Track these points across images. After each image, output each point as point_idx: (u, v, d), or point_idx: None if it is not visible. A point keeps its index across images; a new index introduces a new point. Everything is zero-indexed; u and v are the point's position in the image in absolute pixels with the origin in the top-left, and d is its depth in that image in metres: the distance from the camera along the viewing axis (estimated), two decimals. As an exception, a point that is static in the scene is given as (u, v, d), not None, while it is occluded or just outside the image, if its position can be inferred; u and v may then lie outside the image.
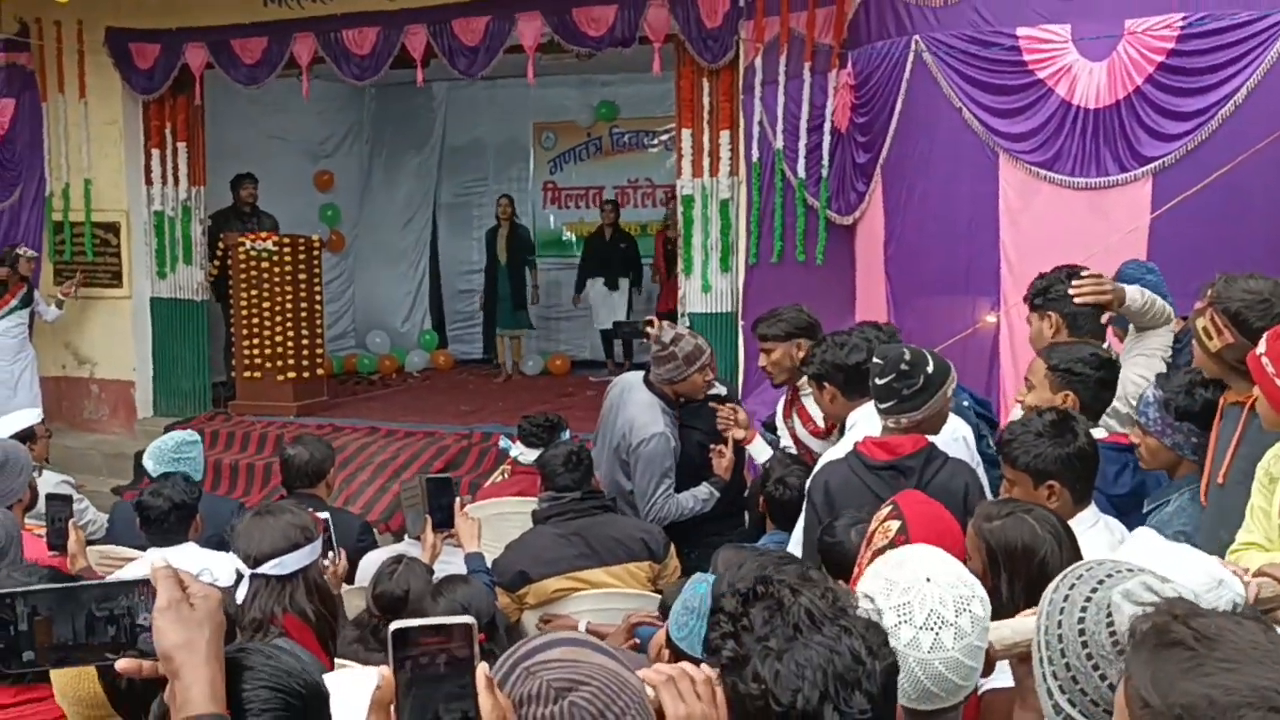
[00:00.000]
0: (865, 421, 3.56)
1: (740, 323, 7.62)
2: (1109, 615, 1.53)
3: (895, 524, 2.29)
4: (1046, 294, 3.69)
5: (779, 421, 4.65)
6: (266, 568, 2.63)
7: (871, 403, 3.53)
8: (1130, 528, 2.89)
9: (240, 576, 2.64)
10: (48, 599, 1.27)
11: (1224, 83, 5.41)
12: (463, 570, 3.86)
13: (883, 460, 3.18)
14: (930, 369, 3.16)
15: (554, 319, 12.27)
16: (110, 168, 9.28)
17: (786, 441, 4.52)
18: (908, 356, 3.16)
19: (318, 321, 9.43)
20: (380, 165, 12.41)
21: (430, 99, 12.13)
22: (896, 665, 1.43)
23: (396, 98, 11.89)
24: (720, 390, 4.90)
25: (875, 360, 3.25)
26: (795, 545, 3.58)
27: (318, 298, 9.45)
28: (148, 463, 4.66)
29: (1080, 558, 2.16)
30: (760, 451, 4.50)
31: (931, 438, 3.21)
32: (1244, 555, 2.48)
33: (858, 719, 1.34)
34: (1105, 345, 3.75)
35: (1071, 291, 3.56)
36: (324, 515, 3.58)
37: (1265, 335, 2.49)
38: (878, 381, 3.19)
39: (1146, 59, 5.50)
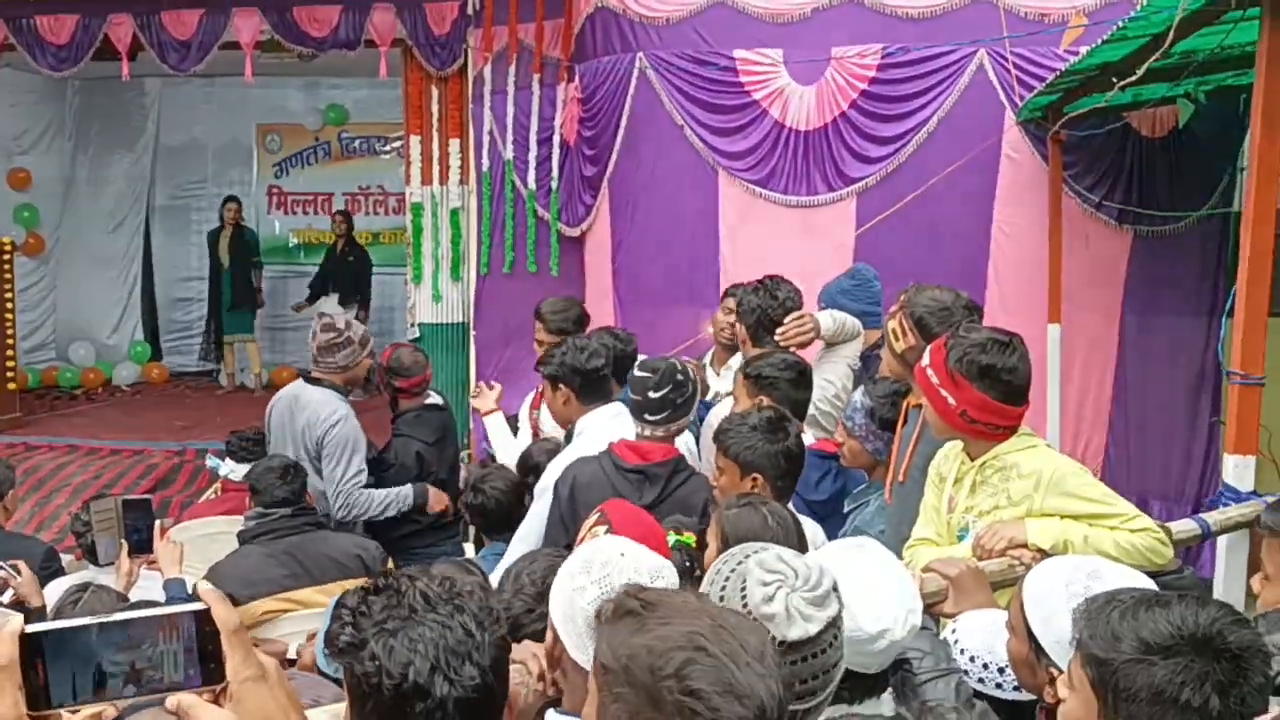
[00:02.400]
0: (594, 429, 3.60)
1: (472, 332, 7.54)
2: (743, 583, 1.62)
3: (602, 528, 2.32)
4: (737, 306, 4.08)
5: (523, 414, 4.68)
6: None
7: (604, 408, 3.60)
8: (829, 533, 3.06)
9: None
10: None
11: (919, 110, 5.82)
12: (161, 598, 3.60)
13: (633, 464, 3.24)
14: (693, 378, 3.30)
15: (280, 329, 11.75)
16: None
17: (526, 435, 4.56)
18: (678, 367, 3.28)
19: (9, 331, 8.66)
20: (85, 164, 11.51)
21: (142, 95, 11.37)
22: (507, 640, 1.50)
23: (103, 92, 11.06)
24: (437, 400, 4.89)
25: (641, 374, 3.29)
26: (527, 539, 3.56)
27: (9, 305, 8.68)
28: None
29: (805, 551, 2.25)
30: (496, 428, 4.50)
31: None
32: (917, 550, 2.65)
33: (468, 687, 1.39)
34: None
35: (779, 338, 3.81)
36: None
37: (929, 348, 2.67)
38: (652, 395, 3.23)
39: (851, 85, 5.85)
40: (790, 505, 2.94)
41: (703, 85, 6.09)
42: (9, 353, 8.67)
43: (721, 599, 1.63)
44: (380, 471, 4.90)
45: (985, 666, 2.02)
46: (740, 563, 1.65)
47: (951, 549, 2.56)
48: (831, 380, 3.82)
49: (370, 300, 10.54)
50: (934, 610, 2.21)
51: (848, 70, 5.85)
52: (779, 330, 3.81)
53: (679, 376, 3.25)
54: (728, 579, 1.64)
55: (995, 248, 5.82)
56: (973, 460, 2.62)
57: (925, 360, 2.65)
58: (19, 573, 3.37)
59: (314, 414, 4.62)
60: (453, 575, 1.55)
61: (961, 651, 2.05)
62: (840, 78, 5.87)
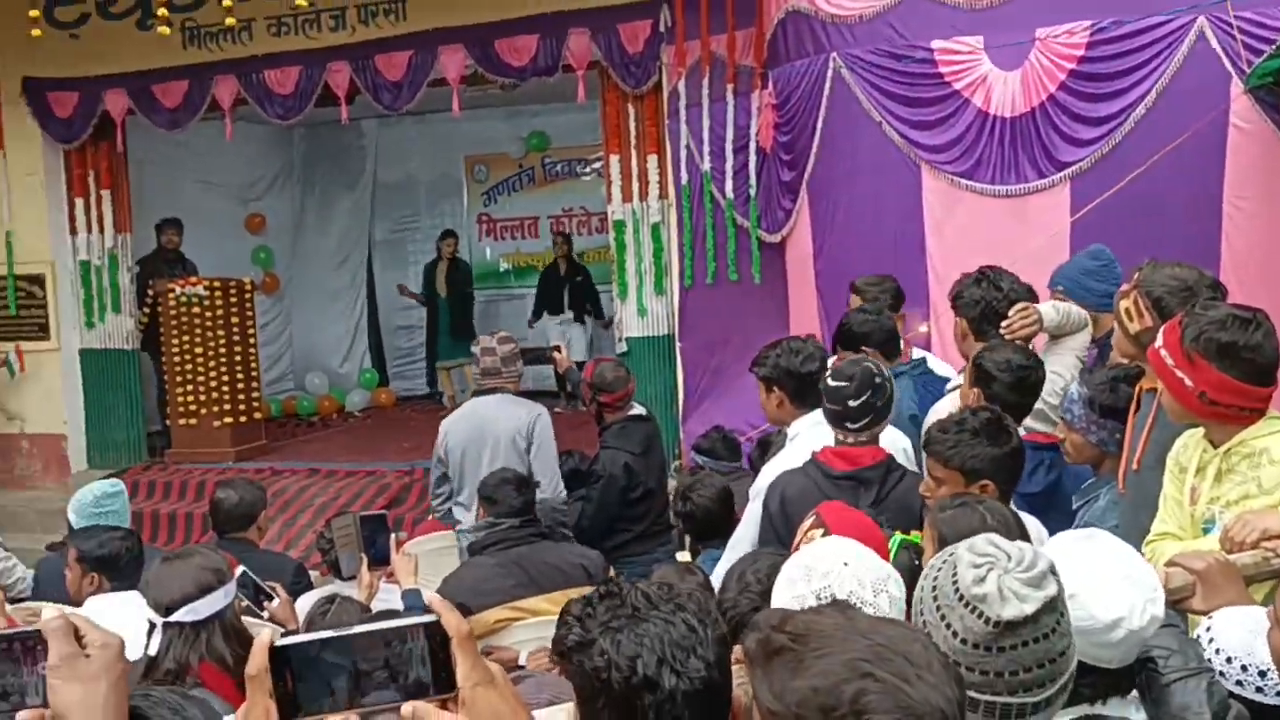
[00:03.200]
0: (809, 431, 3.57)
1: (678, 344, 7.63)
2: (954, 570, 1.59)
3: (818, 532, 2.29)
4: (957, 299, 3.89)
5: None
6: (179, 615, 2.55)
7: (818, 412, 3.57)
8: (1047, 527, 2.93)
9: (152, 627, 2.55)
10: None
11: (1135, 86, 5.51)
12: (400, 608, 3.80)
13: (843, 470, 3.19)
14: (888, 377, 3.24)
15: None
16: (33, 218, 9.11)
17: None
18: (873, 370, 3.19)
19: (253, 364, 9.31)
20: (312, 205, 12.31)
21: (360, 137, 12.06)
22: (728, 639, 1.50)
23: (326, 137, 11.82)
24: (640, 411, 5.02)
25: (838, 382, 3.23)
26: (740, 546, 3.57)
27: (251, 341, 9.34)
28: (71, 517, 4.53)
29: None
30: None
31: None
32: (1159, 545, 2.50)
33: (695, 679, 1.41)
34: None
35: (1004, 331, 3.65)
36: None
37: (1162, 329, 2.52)
38: (852, 403, 3.18)
39: (1058, 66, 5.60)
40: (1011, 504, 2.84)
41: (900, 80, 5.97)
42: (254, 385, 9.33)
43: (934, 590, 1.59)
44: (590, 482, 5.06)
45: (1244, 669, 1.88)
46: (951, 553, 1.61)
47: (1197, 542, 2.41)
48: (1060, 373, 3.62)
49: (604, 313, 10.71)
50: (1182, 606, 2.08)
51: (1054, 50, 5.61)
52: (1003, 323, 3.64)
53: (876, 380, 3.17)
54: (939, 569, 1.61)
55: (1229, 224, 5.44)
56: (1216, 447, 2.45)
57: (1159, 341, 2.50)
58: (276, 596, 3.60)
59: (515, 411, 4.98)
60: (671, 580, 1.58)
61: (1217, 651, 1.92)
62: (1046, 59, 5.63)
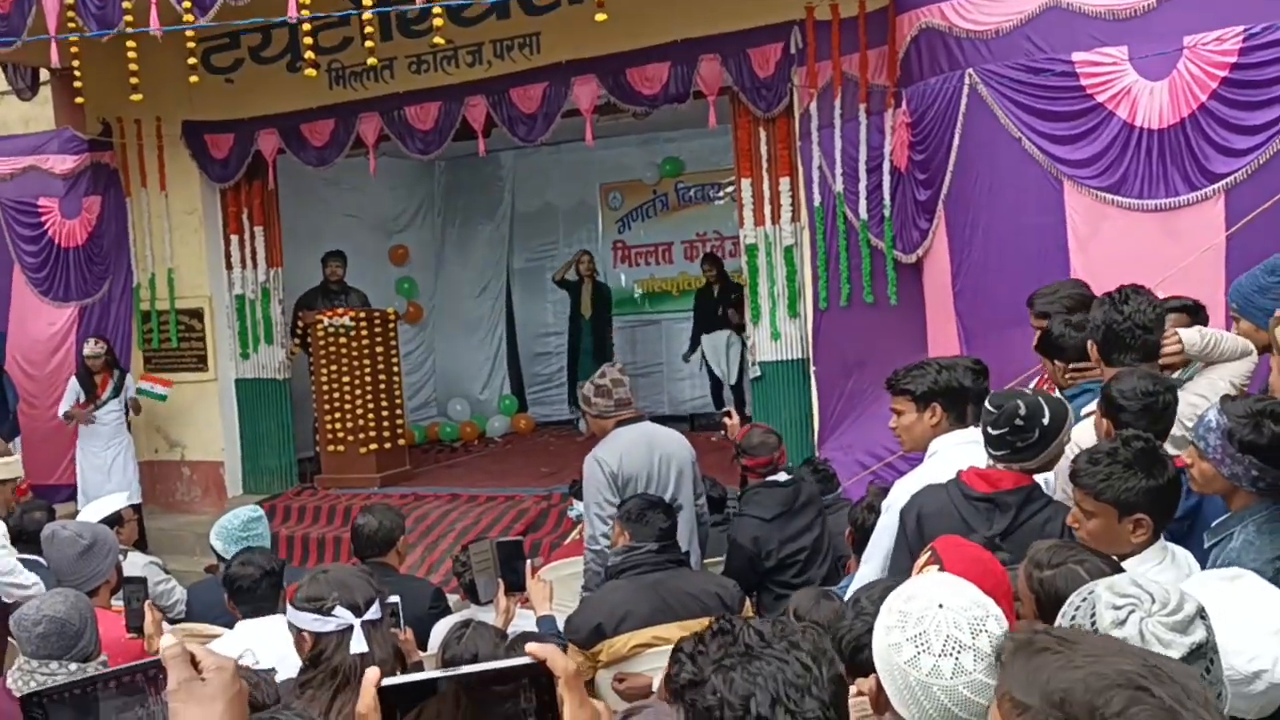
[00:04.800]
0: (947, 450, 3.50)
1: (812, 368, 7.55)
2: (1093, 610, 1.53)
3: (933, 567, 2.23)
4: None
5: None
6: (370, 614, 2.71)
7: (958, 433, 3.50)
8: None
9: (349, 627, 2.69)
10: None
11: (1292, 92, 5.25)
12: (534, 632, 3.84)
13: (982, 491, 3.15)
14: (1047, 420, 3.11)
15: (631, 376, 12.24)
16: (192, 255, 9.60)
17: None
18: (1023, 410, 3.10)
19: (397, 393, 9.59)
20: (453, 236, 12.64)
21: (498, 168, 12.34)
22: (843, 676, 1.48)
23: (465, 169, 12.14)
24: (780, 477, 5.03)
25: (989, 408, 3.19)
26: (872, 560, 3.51)
27: (396, 369, 9.62)
28: (216, 543, 4.73)
29: None
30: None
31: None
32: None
33: (810, 719, 1.39)
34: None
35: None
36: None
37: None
38: (991, 431, 3.15)
39: (1209, 74, 5.38)
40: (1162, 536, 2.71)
41: (1040, 94, 5.80)
42: (399, 412, 9.61)
43: (1071, 627, 1.53)
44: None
45: None
46: (1091, 590, 1.53)
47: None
48: (1206, 396, 3.41)
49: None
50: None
51: (1204, 58, 5.38)
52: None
53: (1018, 420, 3.07)
54: (1077, 608, 1.54)
55: (1400, 233, 5.12)
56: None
57: None
58: (401, 627, 3.67)
59: (683, 443, 4.99)
60: (805, 607, 1.54)
61: None
62: (1195, 67, 5.40)
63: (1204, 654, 1.47)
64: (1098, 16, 5.63)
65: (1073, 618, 1.54)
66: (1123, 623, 1.47)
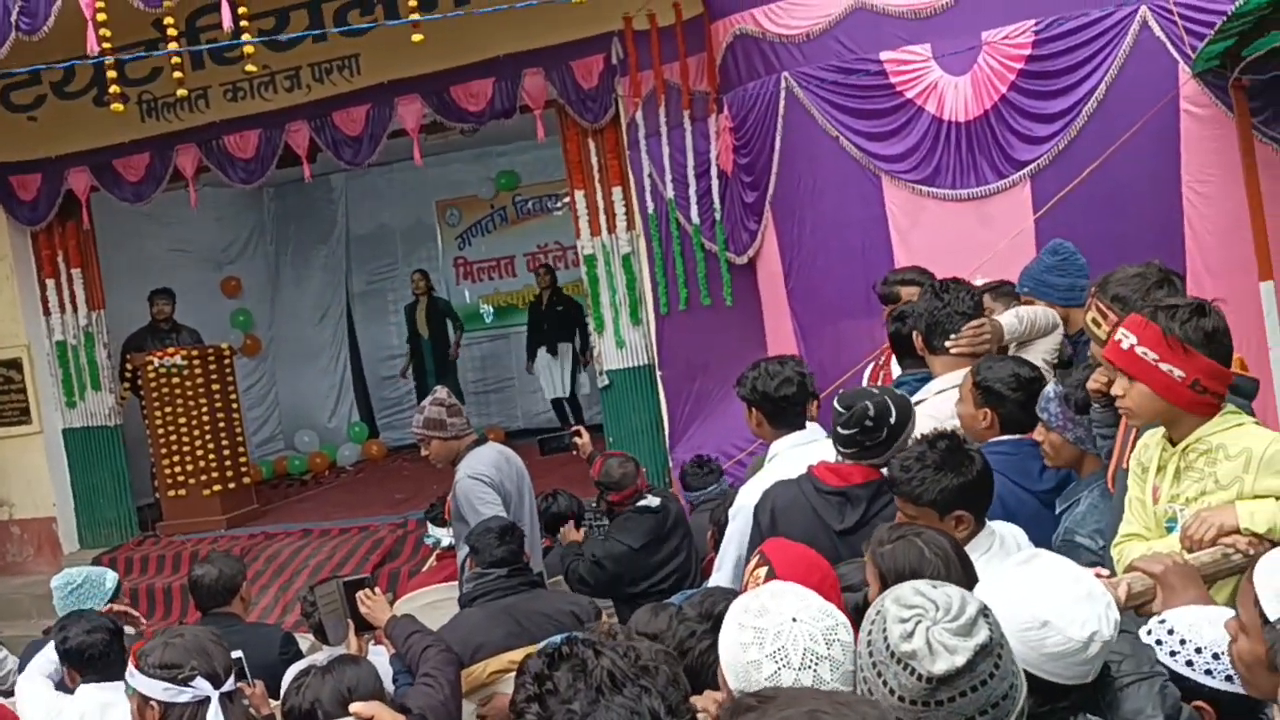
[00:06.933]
0: (788, 452, 3.57)
1: (659, 373, 7.61)
2: (885, 624, 1.57)
3: (763, 570, 2.28)
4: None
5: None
6: (229, 685, 2.59)
7: (796, 434, 3.56)
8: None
9: (205, 700, 2.54)
10: None
11: (1084, 80, 5.54)
12: (388, 670, 3.76)
13: (834, 486, 3.21)
14: (894, 418, 3.16)
15: (483, 393, 12.19)
16: (4, 302, 9.09)
17: None
18: (872, 411, 3.14)
19: (238, 429, 9.28)
20: (287, 264, 12.31)
21: (329, 191, 12.09)
22: (691, 703, 1.50)
23: (295, 194, 11.83)
24: (651, 502, 5.02)
25: (838, 408, 3.23)
26: (724, 564, 3.56)
27: (235, 405, 9.31)
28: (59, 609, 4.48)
29: (974, 579, 2.15)
30: None
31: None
32: (1125, 547, 2.48)
33: None
34: None
35: (950, 348, 3.65)
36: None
37: (1124, 328, 2.50)
38: (840, 430, 3.19)
39: (1006, 67, 5.64)
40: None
41: (852, 93, 5.99)
42: (241, 450, 9.30)
43: (869, 647, 1.58)
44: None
45: (1199, 650, 1.88)
46: (881, 607, 1.59)
47: (1160, 542, 2.39)
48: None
49: (589, 345, 10.68)
50: (1142, 611, 2.06)
51: (1001, 52, 5.64)
52: (950, 339, 3.64)
53: (867, 421, 3.13)
54: (873, 622, 1.59)
55: (1189, 209, 5.46)
56: (1174, 445, 2.45)
57: (1129, 341, 2.46)
58: (252, 684, 3.56)
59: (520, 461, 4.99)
60: (647, 625, 1.52)
61: (1170, 633, 1.91)
62: (994, 61, 5.66)
63: (991, 651, 1.53)
64: (901, 16, 5.84)
65: (869, 634, 1.59)
66: (910, 634, 1.52)
